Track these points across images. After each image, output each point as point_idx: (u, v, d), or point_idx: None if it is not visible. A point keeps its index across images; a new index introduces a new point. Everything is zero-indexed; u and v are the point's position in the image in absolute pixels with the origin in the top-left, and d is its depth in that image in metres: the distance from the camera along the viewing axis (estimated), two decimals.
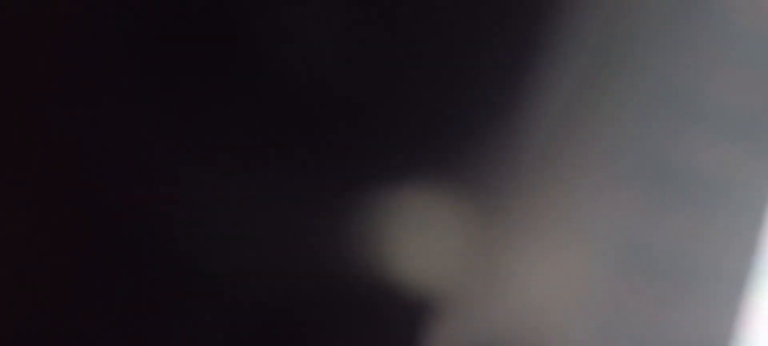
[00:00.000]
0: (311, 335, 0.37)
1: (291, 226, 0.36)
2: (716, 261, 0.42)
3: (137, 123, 0.33)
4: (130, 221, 0.34)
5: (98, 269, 0.33)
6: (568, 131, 0.39)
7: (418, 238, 0.37)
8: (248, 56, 0.34)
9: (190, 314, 0.35)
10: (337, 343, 0.37)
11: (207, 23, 0.33)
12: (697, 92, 0.41)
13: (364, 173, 0.36)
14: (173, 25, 0.33)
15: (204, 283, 0.35)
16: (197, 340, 0.35)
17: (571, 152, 0.39)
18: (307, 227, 0.36)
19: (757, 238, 0.42)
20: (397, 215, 0.37)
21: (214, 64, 0.34)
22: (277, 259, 0.36)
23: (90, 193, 0.33)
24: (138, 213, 0.34)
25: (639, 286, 0.41)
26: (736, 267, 0.43)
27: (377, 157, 0.36)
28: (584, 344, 0.40)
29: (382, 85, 0.36)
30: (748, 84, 0.41)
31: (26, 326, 0.33)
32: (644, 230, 0.41)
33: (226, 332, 0.36)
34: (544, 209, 0.39)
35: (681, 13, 0.39)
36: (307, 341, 0.37)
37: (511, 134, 0.38)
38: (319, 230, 0.36)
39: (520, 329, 0.40)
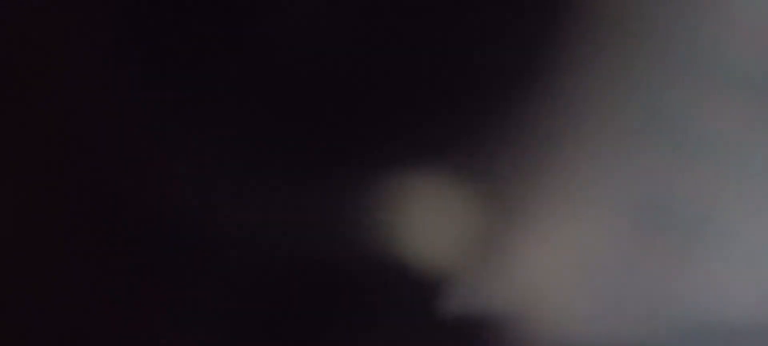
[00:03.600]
0: (325, 310, 0.37)
1: (308, 203, 0.36)
2: (736, 222, 0.42)
3: (146, 107, 0.33)
4: (143, 204, 0.34)
5: (105, 261, 0.34)
6: (580, 93, 0.39)
7: (429, 212, 0.38)
8: (259, 41, 0.34)
9: (203, 297, 0.35)
10: (351, 317, 0.37)
11: (211, 15, 0.33)
12: (716, 53, 0.40)
13: (376, 152, 0.37)
14: (178, 16, 0.33)
15: (216, 265, 0.35)
16: (210, 322, 0.36)
17: (584, 115, 0.39)
18: (324, 205, 0.36)
19: None
20: (408, 196, 0.37)
21: (224, 49, 0.34)
22: (295, 235, 0.36)
23: (98, 180, 0.33)
24: (151, 195, 0.34)
25: (654, 248, 0.41)
26: (755, 229, 0.42)
27: (388, 138, 0.36)
28: (598, 308, 0.40)
29: (394, 66, 0.36)
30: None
31: (33, 318, 0.33)
32: (661, 190, 0.40)
33: (239, 311, 0.36)
34: (556, 173, 0.39)
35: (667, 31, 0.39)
36: (321, 316, 0.37)
37: (524, 101, 0.38)
38: (333, 211, 0.36)
39: (533, 297, 0.40)
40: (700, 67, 0.40)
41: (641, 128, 0.40)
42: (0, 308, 0.33)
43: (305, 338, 0.37)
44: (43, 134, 0.32)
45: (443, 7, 0.36)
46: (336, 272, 0.37)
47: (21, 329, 0.33)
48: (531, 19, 0.37)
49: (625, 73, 0.39)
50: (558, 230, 0.39)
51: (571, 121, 0.39)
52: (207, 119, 0.34)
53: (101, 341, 0.34)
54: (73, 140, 0.32)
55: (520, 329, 0.39)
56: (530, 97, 0.38)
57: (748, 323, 0.42)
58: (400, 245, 0.37)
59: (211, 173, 0.35)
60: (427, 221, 0.38)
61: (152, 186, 0.34)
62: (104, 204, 0.33)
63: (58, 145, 0.32)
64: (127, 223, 0.34)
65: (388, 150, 0.37)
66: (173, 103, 0.33)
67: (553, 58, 0.38)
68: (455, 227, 0.38)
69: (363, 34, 0.35)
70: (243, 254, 0.36)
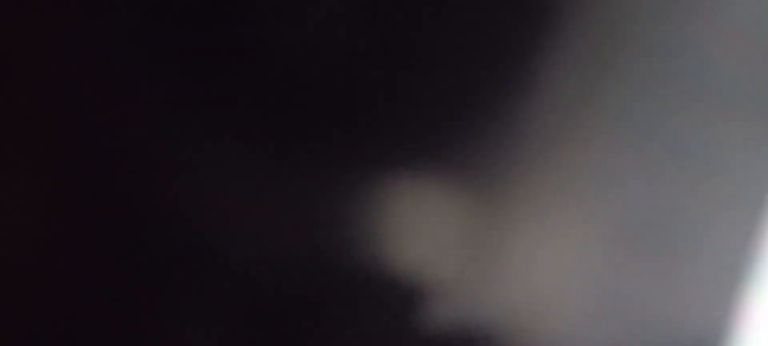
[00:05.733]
0: (311, 319, 0.37)
1: (292, 215, 0.36)
2: (718, 238, 0.42)
3: (143, 113, 0.33)
4: (134, 210, 0.34)
5: (104, 262, 0.33)
6: (567, 109, 0.39)
7: (417, 224, 0.38)
8: (251, 53, 0.34)
9: (191, 299, 0.35)
10: (337, 327, 0.37)
11: (211, 18, 0.33)
12: (705, 62, 0.40)
13: (364, 162, 0.37)
14: (179, 19, 0.33)
15: (204, 271, 0.35)
16: (199, 324, 0.35)
17: (570, 131, 0.39)
18: (308, 216, 0.36)
19: (759, 217, 0.42)
20: (396, 202, 0.37)
21: (218, 59, 0.34)
22: (280, 243, 0.36)
23: (96, 185, 0.33)
24: (142, 201, 0.34)
25: (638, 265, 0.41)
26: (737, 244, 0.42)
27: (376, 147, 0.37)
28: (583, 321, 0.40)
29: (381, 78, 0.36)
30: (757, 54, 0.41)
31: (32, 320, 0.33)
32: (645, 207, 0.41)
33: (227, 316, 0.36)
34: (543, 188, 0.39)
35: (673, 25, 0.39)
36: (307, 326, 0.37)
37: (509, 113, 0.38)
38: (320, 219, 0.36)
39: (520, 310, 0.40)
40: (688, 84, 0.41)
41: (631, 142, 0.40)
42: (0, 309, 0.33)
43: (293, 344, 0.37)
44: (44, 137, 0.32)
45: (436, 16, 0.36)
46: (325, 280, 0.37)
47: (20, 332, 0.33)
48: (525, 29, 0.37)
49: (616, 88, 0.40)
50: (545, 241, 0.39)
51: (561, 135, 0.39)
52: (201, 124, 0.34)
53: (99, 342, 0.34)
54: (73, 144, 0.32)
55: (506, 339, 0.39)
56: (521, 110, 0.38)
57: (729, 332, 0.43)
58: (388, 254, 0.37)
59: (206, 177, 0.35)
60: (416, 230, 0.38)
61: (147, 190, 0.34)
62: (102, 207, 0.33)
63: (58, 148, 0.32)
64: (123, 225, 0.34)
65: (377, 158, 0.37)
66: (165, 112, 0.33)
67: (543, 71, 0.38)
68: (443, 237, 0.38)
69: (354, 41, 0.36)
70: (233, 259, 0.36)
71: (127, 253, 0.34)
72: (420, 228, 0.38)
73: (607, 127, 0.40)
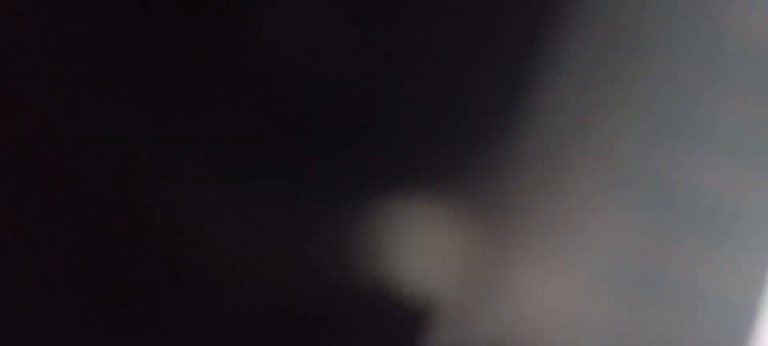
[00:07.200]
0: (312, 341, 0.37)
1: (292, 232, 0.36)
2: (721, 286, 0.42)
3: (136, 126, 0.33)
4: (126, 226, 0.34)
5: (94, 273, 0.33)
6: (573, 141, 0.39)
7: (419, 245, 0.37)
8: (250, 63, 0.34)
9: (188, 318, 0.35)
10: None
11: (207, 28, 0.34)
12: (704, 110, 0.40)
13: (365, 180, 0.37)
14: (172, 28, 0.33)
15: (203, 287, 0.35)
16: (196, 343, 0.35)
17: (575, 163, 0.39)
18: (308, 234, 0.36)
19: (765, 264, 0.42)
20: (397, 222, 0.37)
21: (215, 71, 0.34)
22: (278, 264, 0.36)
23: (87, 196, 0.33)
24: (134, 218, 0.34)
25: (640, 303, 0.41)
26: (742, 293, 0.42)
27: (378, 165, 0.37)
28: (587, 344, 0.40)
29: (384, 94, 0.36)
30: (755, 104, 0.41)
31: (14, 328, 0.33)
32: (648, 246, 0.40)
33: (224, 337, 0.36)
34: (546, 217, 0.39)
35: (681, 30, 0.40)
36: None
37: (515, 142, 0.38)
38: (320, 237, 0.36)
39: (519, 338, 0.39)
40: (692, 129, 0.41)
41: (630, 183, 0.40)
42: None
43: None
44: (33, 146, 0.32)
45: (434, 40, 0.37)
46: (327, 302, 0.37)
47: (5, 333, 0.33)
48: (533, 57, 0.38)
49: (616, 133, 0.40)
50: (549, 264, 0.39)
51: (566, 156, 0.39)
52: (197, 139, 0.34)
53: None
54: (52, 169, 0.32)
55: None
56: (522, 130, 0.38)
57: None
58: (390, 275, 0.37)
59: (201, 194, 0.35)
60: (419, 252, 0.38)
61: (135, 207, 0.34)
62: (87, 235, 0.33)
63: (36, 171, 0.32)
64: (108, 249, 0.34)
65: (379, 178, 0.37)
66: (160, 123, 0.34)
67: (548, 95, 0.38)
68: (446, 259, 0.38)
69: (353, 57, 0.36)
70: (233, 282, 0.35)
71: (116, 276, 0.34)
72: (422, 250, 0.38)
73: (615, 149, 0.40)
